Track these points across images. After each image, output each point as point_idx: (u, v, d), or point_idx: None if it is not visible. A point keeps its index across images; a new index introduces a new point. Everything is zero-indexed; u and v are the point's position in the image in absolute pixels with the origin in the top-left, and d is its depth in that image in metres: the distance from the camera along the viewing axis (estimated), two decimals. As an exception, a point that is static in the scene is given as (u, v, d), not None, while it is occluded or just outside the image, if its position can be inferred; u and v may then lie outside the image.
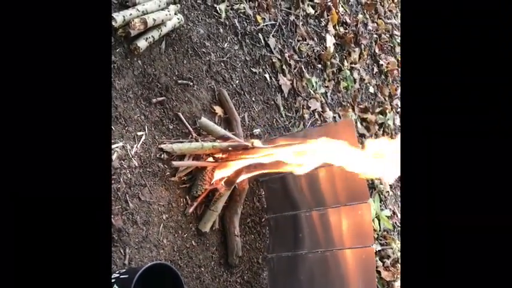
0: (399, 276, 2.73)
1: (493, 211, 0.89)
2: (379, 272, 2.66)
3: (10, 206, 0.77)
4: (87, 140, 0.86)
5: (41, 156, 0.81)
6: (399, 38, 3.67)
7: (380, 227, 2.82)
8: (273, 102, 2.36)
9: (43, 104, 0.83)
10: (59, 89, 0.85)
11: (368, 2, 3.47)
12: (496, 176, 0.90)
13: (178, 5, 1.94)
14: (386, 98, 3.34)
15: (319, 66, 2.75)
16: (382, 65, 3.40)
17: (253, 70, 2.29)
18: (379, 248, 2.76)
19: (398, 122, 3.34)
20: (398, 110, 3.40)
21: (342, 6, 3.13)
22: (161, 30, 1.79)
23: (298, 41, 2.67)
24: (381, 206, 2.94)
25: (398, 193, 3.12)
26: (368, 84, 3.20)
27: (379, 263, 2.71)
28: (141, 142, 1.68)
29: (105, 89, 0.91)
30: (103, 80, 0.90)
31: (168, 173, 1.73)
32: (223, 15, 2.19)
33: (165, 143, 1.73)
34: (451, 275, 0.90)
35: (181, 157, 1.77)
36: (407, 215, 0.96)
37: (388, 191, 3.05)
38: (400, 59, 3.49)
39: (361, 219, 1.88)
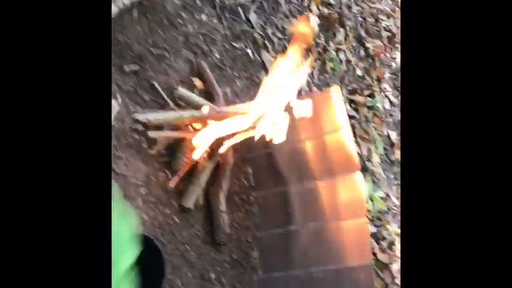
0: (396, 258, 2.65)
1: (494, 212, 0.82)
2: (375, 254, 2.56)
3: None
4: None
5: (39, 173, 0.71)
6: (384, 22, 3.63)
7: (374, 208, 2.73)
8: (257, 79, 2.27)
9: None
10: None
11: (350, -18, 3.42)
12: (497, 177, 0.82)
13: (151, -26, 1.86)
14: (375, 82, 3.28)
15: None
16: (368, 48, 3.34)
17: (235, 45, 2.20)
18: (374, 230, 2.67)
19: (387, 105, 3.28)
20: (387, 93, 3.35)
21: (324, -14, 3.07)
22: (133, -3, 1.71)
23: (281, 18, 2.59)
24: (374, 189, 2.86)
25: (391, 176, 3.05)
26: (355, 67, 3.13)
27: (375, 245, 2.62)
28: (114, 112, 1.58)
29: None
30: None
31: (145, 146, 1.63)
32: (200, -14, 2.11)
33: (139, 113, 1.63)
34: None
35: (159, 128, 1.67)
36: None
37: (380, 173, 2.97)
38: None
39: (352, 190, 1.80)
